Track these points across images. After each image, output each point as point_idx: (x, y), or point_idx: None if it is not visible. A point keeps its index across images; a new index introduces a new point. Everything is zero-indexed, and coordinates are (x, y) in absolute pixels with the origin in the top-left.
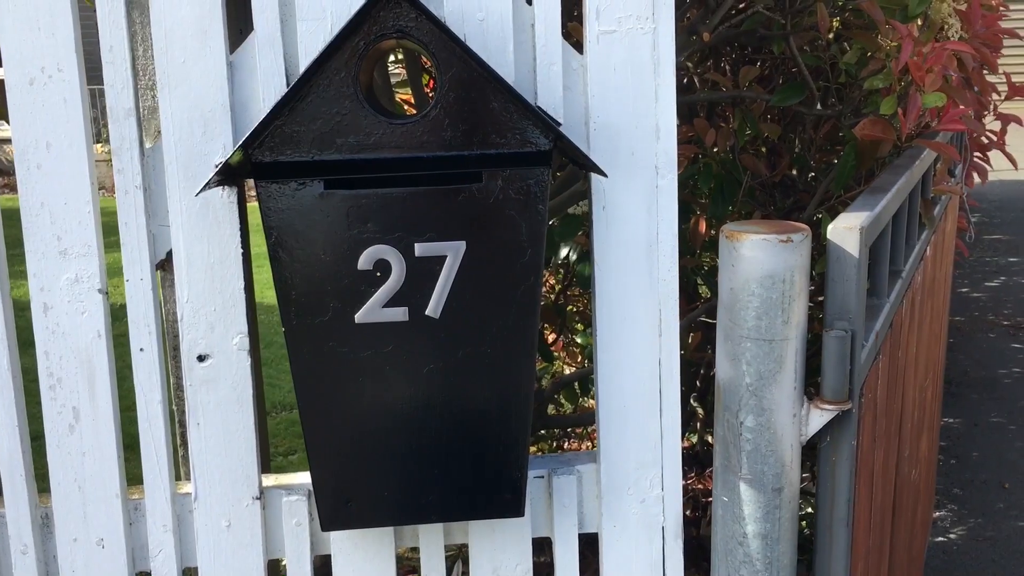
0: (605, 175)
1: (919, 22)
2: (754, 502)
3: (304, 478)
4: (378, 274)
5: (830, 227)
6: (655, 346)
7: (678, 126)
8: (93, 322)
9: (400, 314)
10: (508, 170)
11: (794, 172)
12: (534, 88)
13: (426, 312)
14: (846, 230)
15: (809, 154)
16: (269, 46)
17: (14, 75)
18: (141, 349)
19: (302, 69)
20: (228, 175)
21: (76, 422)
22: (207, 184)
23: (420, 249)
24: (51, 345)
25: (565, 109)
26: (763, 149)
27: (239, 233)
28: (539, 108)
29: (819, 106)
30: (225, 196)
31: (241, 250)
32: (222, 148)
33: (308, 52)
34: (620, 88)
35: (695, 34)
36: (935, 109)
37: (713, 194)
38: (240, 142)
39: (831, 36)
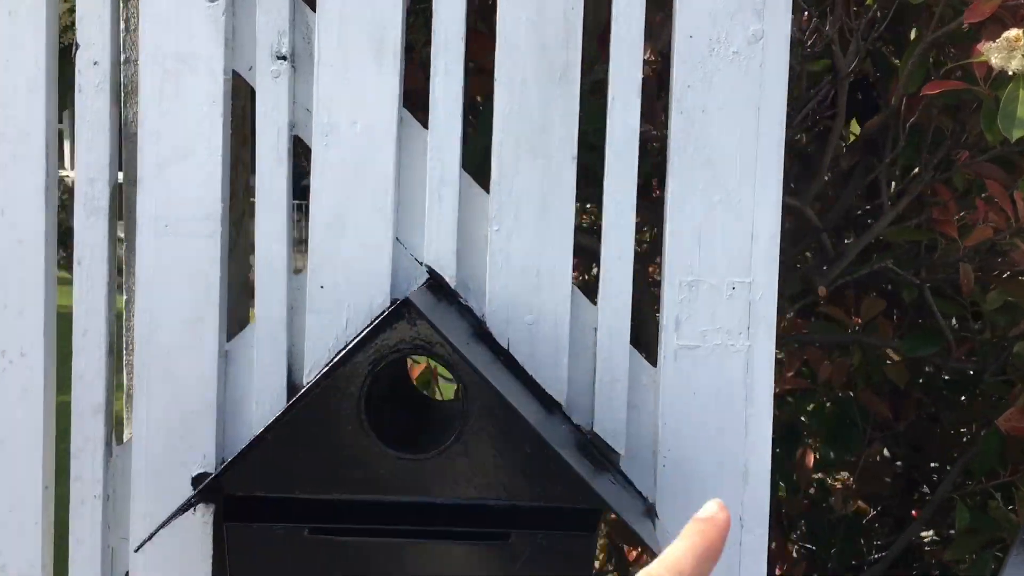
0: None
1: None
2: None
3: None
4: None
5: None
6: None
7: (784, 355)
8: None
9: None
10: (542, 532)
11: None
12: (591, 406)
13: None
14: None
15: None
16: (271, 339)
17: None
18: None
19: (306, 369)
20: (209, 493)
21: None
22: (180, 509)
23: None
24: None
25: (629, 434)
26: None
27: (211, 559)
28: (594, 438)
29: (956, 356)
30: (199, 516)
31: None
32: (202, 457)
33: (314, 349)
34: (701, 416)
35: (807, 284)
36: None
37: (826, 439)
38: (218, 471)
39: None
